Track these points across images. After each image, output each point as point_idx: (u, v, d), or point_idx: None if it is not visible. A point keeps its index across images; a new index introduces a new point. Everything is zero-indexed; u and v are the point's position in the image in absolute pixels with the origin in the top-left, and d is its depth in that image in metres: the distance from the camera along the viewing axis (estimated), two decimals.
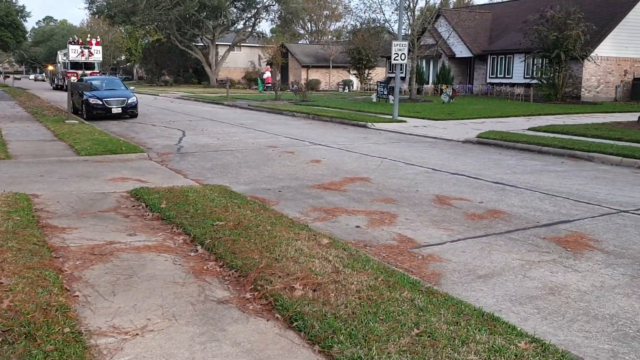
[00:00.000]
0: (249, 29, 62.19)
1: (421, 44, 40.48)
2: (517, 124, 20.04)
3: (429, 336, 3.71)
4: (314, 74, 57.50)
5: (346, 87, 51.86)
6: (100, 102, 21.34)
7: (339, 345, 3.54)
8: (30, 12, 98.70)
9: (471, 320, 3.96)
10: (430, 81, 41.63)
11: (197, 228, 6.03)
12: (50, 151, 12.32)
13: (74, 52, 48.01)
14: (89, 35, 53.13)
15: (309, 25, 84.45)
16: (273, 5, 61.73)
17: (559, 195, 9.07)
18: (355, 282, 4.53)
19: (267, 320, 4.09)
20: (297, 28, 76.76)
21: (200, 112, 26.03)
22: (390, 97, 31.21)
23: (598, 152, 13.13)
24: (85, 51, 48.42)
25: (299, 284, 4.45)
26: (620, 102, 31.63)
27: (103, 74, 50.29)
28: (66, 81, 41.44)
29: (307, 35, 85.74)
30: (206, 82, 64.00)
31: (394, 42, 21.74)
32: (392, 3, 31.86)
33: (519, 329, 4.06)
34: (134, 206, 7.49)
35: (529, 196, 8.98)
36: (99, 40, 52.18)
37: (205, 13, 56.47)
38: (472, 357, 3.47)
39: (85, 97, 21.67)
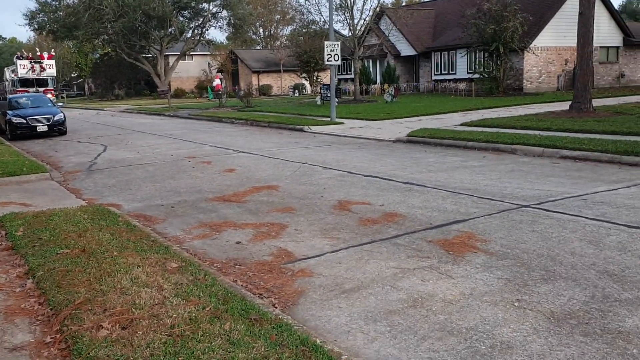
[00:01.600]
0: (197, 37, 61.21)
1: (366, 44, 40.39)
2: (452, 120, 19.86)
3: None
4: (265, 79, 56.91)
5: (296, 91, 51.39)
6: (24, 121, 20.38)
7: None
8: None
9: (284, 353, 3.47)
10: (378, 81, 41.45)
11: (38, 258, 5.44)
12: None
13: (22, 68, 43.64)
14: (37, 50, 48.95)
15: (260, 30, 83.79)
16: (220, 12, 60.86)
17: (465, 192, 8.72)
18: (176, 315, 4.01)
19: None
20: (248, 34, 75.91)
21: (135, 125, 25.21)
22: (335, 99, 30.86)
23: (521, 144, 12.91)
24: (37, 66, 43.91)
25: (108, 322, 3.91)
26: (562, 92, 31.87)
27: (60, 91, 46.62)
28: None
29: (260, 41, 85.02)
30: (156, 93, 62.77)
31: (326, 44, 21.38)
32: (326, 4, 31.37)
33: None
34: None
35: (433, 195, 8.61)
36: (51, 53, 47.94)
37: (152, 24, 55.34)
38: None
39: (8, 117, 20.67)
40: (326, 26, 37.24)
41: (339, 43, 21.42)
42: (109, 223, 6.77)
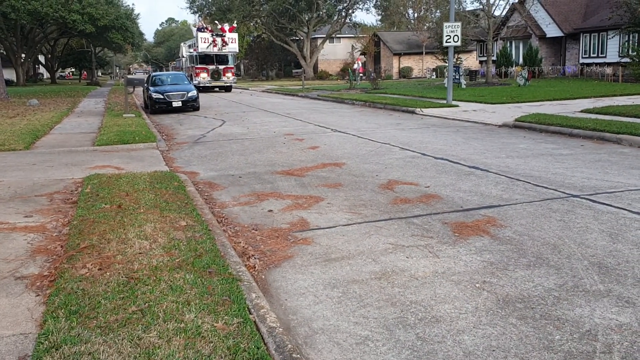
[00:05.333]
0: (343, 20, 62.36)
1: (510, 24, 38.57)
2: (577, 106, 18.59)
3: (143, 314, 3.74)
4: (407, 61, 56.59)
5: (434, 74, 50.51)
6: (162, 96, 22.58)
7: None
8: (139, 15, 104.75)
9: (206, 300, 3.92)
10: (520, 62, 39.43)
11: (83, 210, 6.37)
12: (71, 142, 13.35)
13: (203, 42, 38.00)
14: (216, 23, 43.07)
15: (410, 12, 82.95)
16: None
17: (524, 179, 8.42)
18: (146, 263, 4.63)
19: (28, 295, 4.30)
20: (397, 16, 75.55)
21: (263, 104, 26.70)
22: (462, 81, 30.14)
23: (627, 134, 11.95)
24: (218, 40, 38.40)
25: (92, 264, 4.63)
26: None
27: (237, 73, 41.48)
28: (194, 79, 37.06)
29: (409, 24, 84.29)
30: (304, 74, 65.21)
31: (445, 24, 20.96)
32: None
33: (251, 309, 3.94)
34: (72, 191, 8.01)
35: (488, 180, 8.42)
36: (233, 25, 41.67)
37: (300, 6, 57.35)
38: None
39: (149, 92, 23.07)
40: (468, 6, 36.20)
41: (459, 24, 20.88)
42: (162, 186, 7.62)
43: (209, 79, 38.36)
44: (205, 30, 39.40)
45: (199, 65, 38.29)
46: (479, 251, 5.43)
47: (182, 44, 48.80)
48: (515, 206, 6.97)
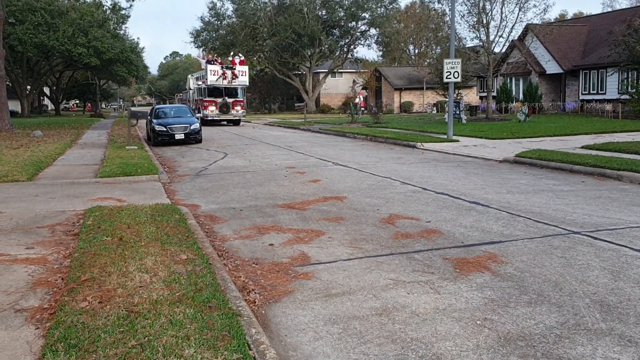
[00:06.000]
0: (345, 55, 63.21)
1: (509, 60, 39.07)
2: (577, 142, 18.70)
3: (142, 348, 3.72)
4: (408, 96, 57.14)
5: (435, 109, 50.96)
6: (165, 129, 22.76)
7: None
8: (143, 48, 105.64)
9: (206, 335, 3.90)
10: (520, 99, 39.79)
11: (85, 243, 6.38)
12: (74, 174, 13.41)
13: (213, 74, 37.29)
14: (231, 54, 42.14)
15: (411, 48, 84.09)
16: (368, 31, 62.38)
17: (525, 215, 8.43)
18: (146, 297, 4.62)
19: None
20: (397, 52, 76.60)
21: (265, 137, 26.88)
22: (463, 116, 30.40)
23: (628, 171, 12.00)
24: (228, 72, 37.65)
25: (92, 297, 4.61)
26: None
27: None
28: (202, 112, 36.80)
29: (410, 59, 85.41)
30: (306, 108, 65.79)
31: (446, 61, 21.26)
32: (464, 21, 30.95)
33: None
34: (73, 223, 8.03)
35: (489, 216, 8.44)
36: (243, 58, 40.55)
37: (302, 42, 58.22)
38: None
39: (152, 125, 23.25)
40: (469, 43, 36.70)
41: (459, 60, 21.18)
42: (163, 219, 7.63)
43: (217, 112, 37.52)
44: (215, 62, 39.22)
45: (207, 98, 37.61)
46: (480, 288, 5.42)
47: (189, 76, 48.47)
48: (516, 242, 6.97)
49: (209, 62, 39.54)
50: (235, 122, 38.53)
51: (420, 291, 5.37)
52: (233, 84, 38.02)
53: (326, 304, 5.12)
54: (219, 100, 37.33)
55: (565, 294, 5.17)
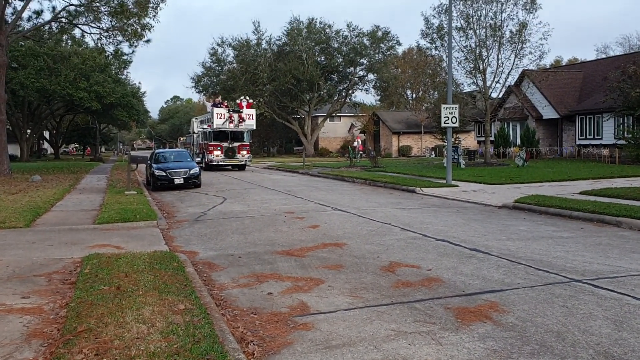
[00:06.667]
0: (343, 99, 64.04)
1: (506, 105, 39.54)
2: (575, 188, 18.76)
3: None
4: (406, 140, 57.58)
5: (433, 153, 51.29)
6: (164, 174, 22.83)
7: None
8: (145, 93, 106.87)
9: None
10: (517, 144, 40.12)
11: (81, 292, 6.32)
12: (72, 220, 13.39)
13: (219, 118, 36.56)
14: (240, 97, 40.39)
15: (408, 92, 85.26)
16: (366, 76, 63.35)
17: (525, 263, 8.39)
18: (144, 349, 4.55)
19: None
20: (395, 96, 77.64)
21: (264, 181, 26.95)
22: (462, 161, 30.56)
23: (627, 217, 12.00)
24: (235, 116, 37.00)
25: (89, 349, 4.54)
26: None
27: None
28: (206, 157, 36.58)
29: (407, 103, 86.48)
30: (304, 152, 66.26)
31: (443, 106, 21.50)
32: (461, 67, 31.48)
33: None
34: (71, 271, 7.96)
35: (490, 264, 8.39)
36: (250, 101, 39.94)
37: (301, 87, 59.04)
38: None
39: (152, 169, 23.34)
40: (466, 88, 37.20)
41: (456, 106, 21.43)
42: (161, 267, 7.58)
43: (222, 156, 36.59)
44: (222, 105, 38.72)
45: (212, 142, 36.66)
46: (482, 338, 5.34)
47: (193, 119, 47.61)
48: (517, 291, 6.91)
49: (215, 105, 39.07)
50: (241, 167, 37.67)
51: (421, 342, 5.30)
52: (240, 127, 37.35)
53: (326, 356, 5.04)
54: (225, 144, 36.62)
55: (568, 344, 5.10)
